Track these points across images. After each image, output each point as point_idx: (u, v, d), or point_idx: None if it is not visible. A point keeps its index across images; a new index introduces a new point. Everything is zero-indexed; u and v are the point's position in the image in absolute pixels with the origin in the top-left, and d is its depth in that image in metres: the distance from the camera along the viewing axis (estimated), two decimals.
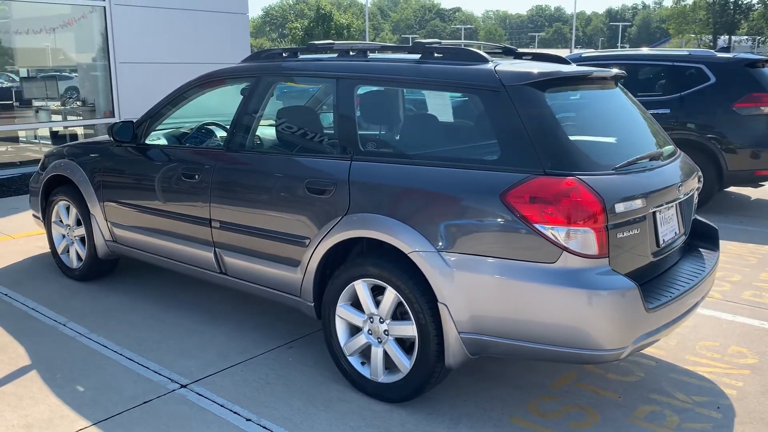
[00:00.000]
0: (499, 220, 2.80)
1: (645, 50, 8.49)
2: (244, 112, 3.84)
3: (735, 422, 3.14)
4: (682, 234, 3.39)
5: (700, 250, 3.60)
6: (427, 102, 3.44)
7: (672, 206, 3.24)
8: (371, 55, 3.55)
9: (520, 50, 3.88)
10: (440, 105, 3.27)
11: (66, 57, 10.55)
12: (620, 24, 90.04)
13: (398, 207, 3.07)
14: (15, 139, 9.94)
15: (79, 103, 10.62)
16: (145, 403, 3.24)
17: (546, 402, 3.31)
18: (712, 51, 7.78)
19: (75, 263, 4.95)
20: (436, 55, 3.30)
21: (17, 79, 10.20)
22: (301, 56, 3.88)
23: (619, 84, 3.64)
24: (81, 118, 10.40)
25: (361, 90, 3.42)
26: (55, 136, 10.30)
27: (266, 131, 3.94)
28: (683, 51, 7.87)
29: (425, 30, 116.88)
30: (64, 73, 10.69)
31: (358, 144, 3.32)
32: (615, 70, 3.48)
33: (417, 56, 3.37)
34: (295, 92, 5.00)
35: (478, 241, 2.85)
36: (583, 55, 8.47)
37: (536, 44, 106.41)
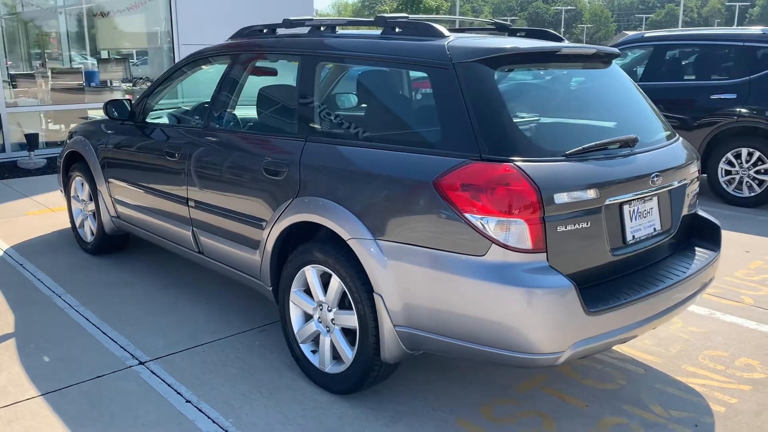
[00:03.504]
0: (431, 207, 2.59)
1: (733, 30, 7.70)
2: (220, 91, 3.79)
3: None
4: (667, 230, 3.04)
5: (695, 248, 3.22)
6: (384, 80, 3.25)
7: (651, 199, 2.91)
8: (339, 31, 3.40)
9: (514, 27, 3.62)
10: (396, 83, 3.07)
11: (135, 39, 10.97)
12: (737, 4, 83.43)
13: (341, 191, 2.92)
14: (85, 118, 10.45)
15: (148, 84, 11.04)
16: (98, 377, 3.27)
17: (503, 405, 3.07)
18: None
19: (89, 237, 5.11)
20: (397, 30, 3.10)
21: (94, 60, 10.72)
22: (279, 32, 3.77)
23: (612, 63, 3.30)
24: None
25: (321, 67, 3.27)
26: None
27: (241, 110, 3.88)
28: (756, 30, 7.13)
29: (526, 12, 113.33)
30: (134, 55, 11.14)
31: (315, 124, 3.19)
32: (597, 47, 3.14)
33: (378, 32, 3.19)
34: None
35: (411, 230, 2.66)
36: (645, 35, 7.87)
37: (644, 26, 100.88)
